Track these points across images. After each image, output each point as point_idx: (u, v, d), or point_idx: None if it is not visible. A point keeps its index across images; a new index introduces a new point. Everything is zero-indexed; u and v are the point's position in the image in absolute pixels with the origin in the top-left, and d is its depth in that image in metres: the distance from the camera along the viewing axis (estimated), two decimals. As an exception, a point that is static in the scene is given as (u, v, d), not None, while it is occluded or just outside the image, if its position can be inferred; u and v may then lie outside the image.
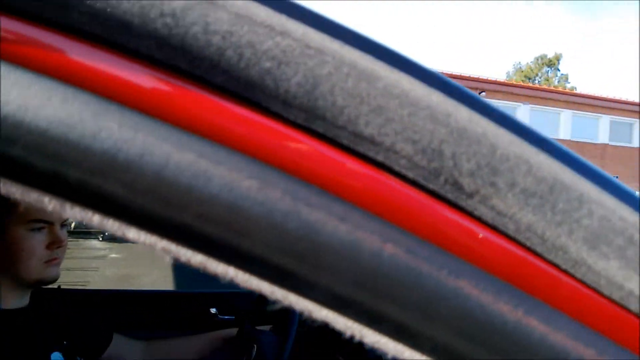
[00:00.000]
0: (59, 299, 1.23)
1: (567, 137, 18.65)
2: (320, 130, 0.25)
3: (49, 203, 0.25)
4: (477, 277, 0.24)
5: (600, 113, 19.10)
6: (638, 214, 0.26)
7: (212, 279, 0.28)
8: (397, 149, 0.24)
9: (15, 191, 0.24)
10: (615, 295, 0.25)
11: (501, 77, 29.97)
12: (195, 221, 0.23)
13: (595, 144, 19.25)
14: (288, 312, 1.26)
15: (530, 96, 18.07)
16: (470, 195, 0.25)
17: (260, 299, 1.36)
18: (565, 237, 0.25)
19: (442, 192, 0.25)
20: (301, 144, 0.25)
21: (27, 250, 0.96)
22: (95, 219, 0.25)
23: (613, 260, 0.25)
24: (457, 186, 0.24)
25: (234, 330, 1.32)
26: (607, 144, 19.34)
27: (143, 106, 0.24)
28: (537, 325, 0.24)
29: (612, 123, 19.19)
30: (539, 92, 18.68)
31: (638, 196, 0.28)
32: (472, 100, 0.26)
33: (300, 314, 0.40)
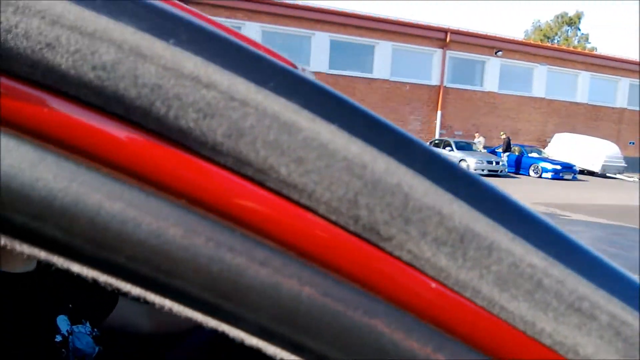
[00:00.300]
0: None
1: (584, 101, 18.24)
2: (249, 174, 0.26)
3: (0, 240, 0.27)
4: (390, 316, 0.26)
5: (619, 75, 18.56)
6: (551, 259, 0.27)
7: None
8: (317, 196, 0.26)
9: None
10: (530, 332, 0.27)
11: (519, 35, 29.08)
12: (128, 262, 0.25)
13: (613, 108, 18.81)
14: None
15: (548, 56, 17.57)
16: (388, 239, 0.26)
17: None
18: (477, 280, 0.26)
19: (363, 235, 0.26)
20: (230, 186, 0.27)
21: None
22: (42, 255, 0.27)
23: (522, 302, 0.26)
24: (375, 231, 0.26)
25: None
26: (625, 108, 18.89)
27: (80, 153, 0.26)
28: (443, 362, 0.26)
29: (631, 86, 18.67)
30: (557, 52, 18.14)
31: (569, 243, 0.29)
32: (396, 145, 0.27)
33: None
